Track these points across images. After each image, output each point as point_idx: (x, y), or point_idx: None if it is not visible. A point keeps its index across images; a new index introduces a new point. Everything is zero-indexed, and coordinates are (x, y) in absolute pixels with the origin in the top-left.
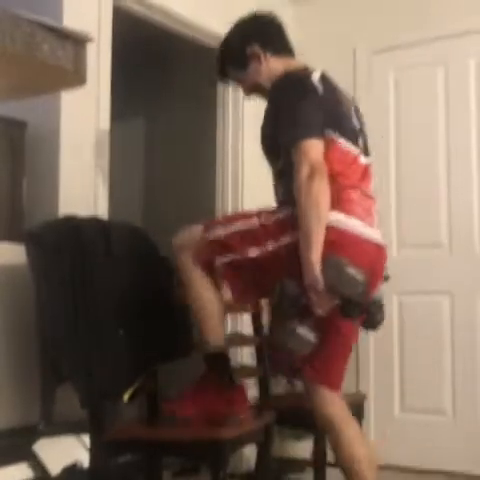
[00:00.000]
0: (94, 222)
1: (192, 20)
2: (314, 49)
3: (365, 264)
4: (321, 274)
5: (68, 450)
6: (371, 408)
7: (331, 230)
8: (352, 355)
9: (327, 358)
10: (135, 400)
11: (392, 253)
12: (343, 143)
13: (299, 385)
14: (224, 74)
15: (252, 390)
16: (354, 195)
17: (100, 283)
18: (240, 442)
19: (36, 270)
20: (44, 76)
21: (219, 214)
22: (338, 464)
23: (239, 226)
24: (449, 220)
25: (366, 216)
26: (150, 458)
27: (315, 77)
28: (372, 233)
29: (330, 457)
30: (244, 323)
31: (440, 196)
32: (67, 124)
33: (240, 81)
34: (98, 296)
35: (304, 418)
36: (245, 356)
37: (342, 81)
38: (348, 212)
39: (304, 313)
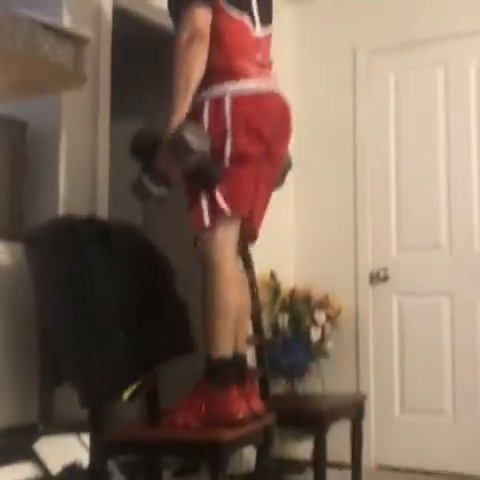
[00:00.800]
0: (93, 222)
1: None
2: (314, 49)
3: (269, 120)
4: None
5: (68, 449)
6: (371, 409)
7: (226, 101)
8: (352, 355)
9: None
10: (135, 400)
11: (392, 253)
12: (235, 13)
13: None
14: None
15: None
16: (246, 63)
17: (99, 283)
18: (240, 443)
19: (35, 270)
20: (44, 75)
21: None
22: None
23: None
24: (449, 221)
25: (257, 72)
26: (150, 458)
27: None
28: (268, 86)
29: (330, 458)
30: None
31: (440, 197)
32: (67, 124)
33: None
34: (97, 296)
35: (304, 419)
36: None
37: (342, 81)
38: (239, 77)
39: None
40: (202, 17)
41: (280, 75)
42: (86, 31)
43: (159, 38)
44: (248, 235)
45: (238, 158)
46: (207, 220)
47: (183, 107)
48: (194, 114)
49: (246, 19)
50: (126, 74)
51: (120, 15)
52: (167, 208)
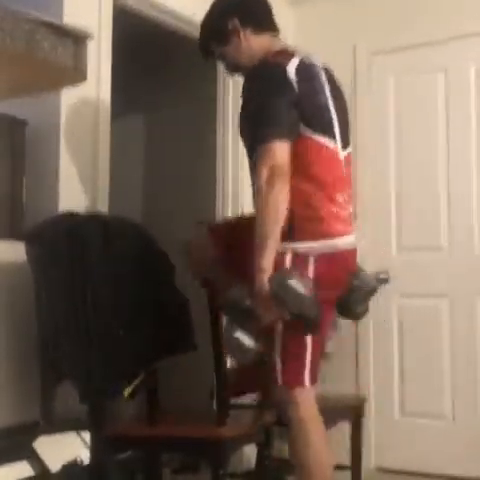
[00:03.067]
0: (93, 219)
1: (192, 17)
2: (314, 50)
3: (343, 279)
4: (268, 283)
5: (68, 447)
6: (371, 411)
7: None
8: (352, 358)
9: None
10: (135, 397)
11: (392, 255)
12: (320, 139)
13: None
14: (207, 49)
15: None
16: (335, 205)
17: (99, 280)
18: (240, 441)
19: (35, 268)
20: (44, 73)
21: (219, 212)
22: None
23: None
24: (449, 223)
25: (345, 227)
26: (150, 455)
27: (292, 67)
28: (347, 240)
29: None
30: None
31: (440, 199)
32: (67, 122)
33: (221, 57)
34: (97, 293)
35: None
36: None
37: (342, 82)
38: (328, 235)
39: (248, 319)
40: (282, 152)
41: None
42: (86, 29)
43: (160, 35)
44: None
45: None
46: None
47: (272, 253)
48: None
49: (330, 142)
50: (127, 72)
51: (121, 12)
52: (167, 205)
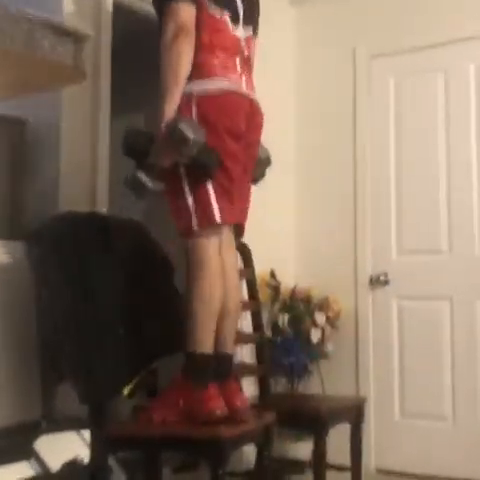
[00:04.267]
0: (94, 218)
1: None
2: (314, 51)
3: (237, 115)
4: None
5: (68, 446)
6: (371, 413)
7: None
8: (352, 359)
9: None
10: (135, 396)
11: (392, 257)
12: (216, 11)
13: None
14: None
15: (252, 389)
16: (216, 61)
17: (99, 280)
18: (240, 441)
19: (35, 268)
20: (44, 73)
21: None
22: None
23: None
24: (449, 225)
25: (225, 74)
26: (150, 454)
27: None
28: (239, 88)
29: (330, 461)
30: (244, 321)
31: (440, 201)
32: (67, 121)
33: None
34: (97, 293)
35: (304, 419)
36: (245, 354)
37: (342, 84)
38: (206, 76)
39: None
40: (186, 12)
41: (280, 76)
42: (86, 28)
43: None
44: (236, 231)
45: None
46: (195, 225)
47: (173, 102)
48: None
49: (226, 17)
50: (127, 71)
51: (120, 11)
52: (167, 205)
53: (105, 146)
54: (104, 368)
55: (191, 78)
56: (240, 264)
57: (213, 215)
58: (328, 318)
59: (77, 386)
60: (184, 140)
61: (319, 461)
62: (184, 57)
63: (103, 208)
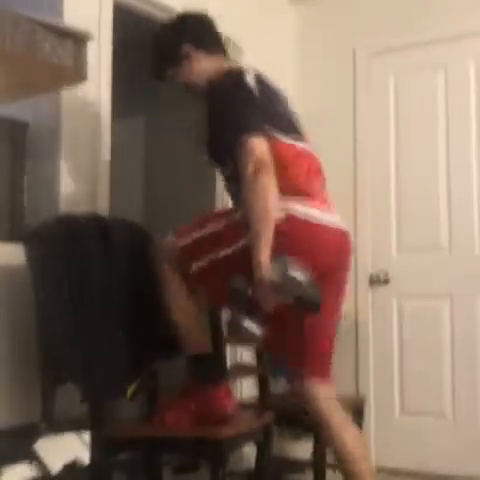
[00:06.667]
0: (93, 220)
1: None
2: (314, 50)
3: (328, 252)
4: (268, 273)
5: (68, 447)
6: (371, 411)
7: (289, 219)
8: (352, 358)
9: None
10: (137, 398)
11: (392, 255)
12: (284, 139)
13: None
14: (160, 72)
15: (251, 389)
16: (307, 185)
17: (99, 281)
18: (239, 441)
19: (35, 269)
20: (45, 74)
21: None
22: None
23: (208, 229)
24: (449, 222)
25: (322, 203)
26: (150, 455)
27: (250, 77)
28: (331, 218)
29: (330, 459)
30: None
31: (440, 198)
32: (68, 123)
33: (173, 78)
34: (97, 295)
35: (303, 418)
36: (245, 355)
37: (342, 82)
38: (304, 201)
39: (252, 308)
40: (260, 145)
41: (281, 75)
42: (86, 29)
43: None
44: None
45: None
46: None
47: (269, 240)
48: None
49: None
50: (127, 72)
51: (120, 11)
52: (167, 206)
53: (106, 147)
54: (104, 370)
55: (285, 198)
56: None
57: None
58: None
59: (77, 387)
60: (297, 283)
61: (319, 460)
62: (270, 193)
63: (104, 209)
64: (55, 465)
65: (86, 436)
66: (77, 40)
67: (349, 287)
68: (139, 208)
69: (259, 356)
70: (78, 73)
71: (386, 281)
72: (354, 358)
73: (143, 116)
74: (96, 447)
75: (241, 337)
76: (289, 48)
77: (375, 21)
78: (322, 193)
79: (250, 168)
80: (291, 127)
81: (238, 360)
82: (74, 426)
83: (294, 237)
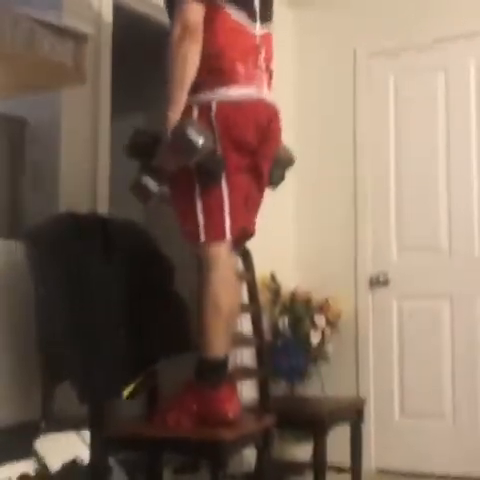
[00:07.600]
0: (93, 219)
1: None
2: (314, 51)
3: (246, 126)
4: (169, 133)
5: (68, 446)
6: (371, 413)
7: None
8: (352, 359)
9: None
10: (136, 397)
11: (392, 257)
12: (233, 12)
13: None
14: None
15: (252, 392)
16: (240, 68)
17: (99, 281)
18: (240, 443)
19: (35, 268)
20: (44, 73)
21: None
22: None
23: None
24: (449, 223)
25: (250, 81)
26: (150, 455)
27: None
28: (254, 92)
29: (330, 461)
30: (244, 324)
31: (440, 199)
32: (67, 121)
33: None
34: (96, 294)
35: (304, 421)
36: (245, 357)
37: (342, 83)
38: (229, 83)
39: (155, 167)
40: (194, 13)
41: (280, 77)
42: (86, 28)
43: (160, 35)
44: (245, 237)
45: (228, 172)
46: (203, 236)
47: (179, 104)
48: (182, 116)
49: (244, 17)
50: (127, 71)
51: (120, 12)
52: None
53: (105, 146)
54: (103, 369)
55: (211, 86)
56: (241, 267)
57: (224, 232)
58: (328, 320)
59: (76, 387)
60: (192, 145)
61: (319, 462)
62: (190, 60)
63: (104, 208)
64: (55, 463)
65: (86, 435)
66: (77, 39)
67: (349, 288)
68: (138, 207)
69: (259, 358)
70: (78, 72)
71: (386, 282)
72: (354, 360)
73: (143, 114)
74: (96, 446)
75: (138, 194)
76: (289, 50)
77: (375, 22)
78: (253, 71)
79: (176, 31)
80: (249, 3)
81: (238, 362)
82: (74, 425)
83: (221, 127)
